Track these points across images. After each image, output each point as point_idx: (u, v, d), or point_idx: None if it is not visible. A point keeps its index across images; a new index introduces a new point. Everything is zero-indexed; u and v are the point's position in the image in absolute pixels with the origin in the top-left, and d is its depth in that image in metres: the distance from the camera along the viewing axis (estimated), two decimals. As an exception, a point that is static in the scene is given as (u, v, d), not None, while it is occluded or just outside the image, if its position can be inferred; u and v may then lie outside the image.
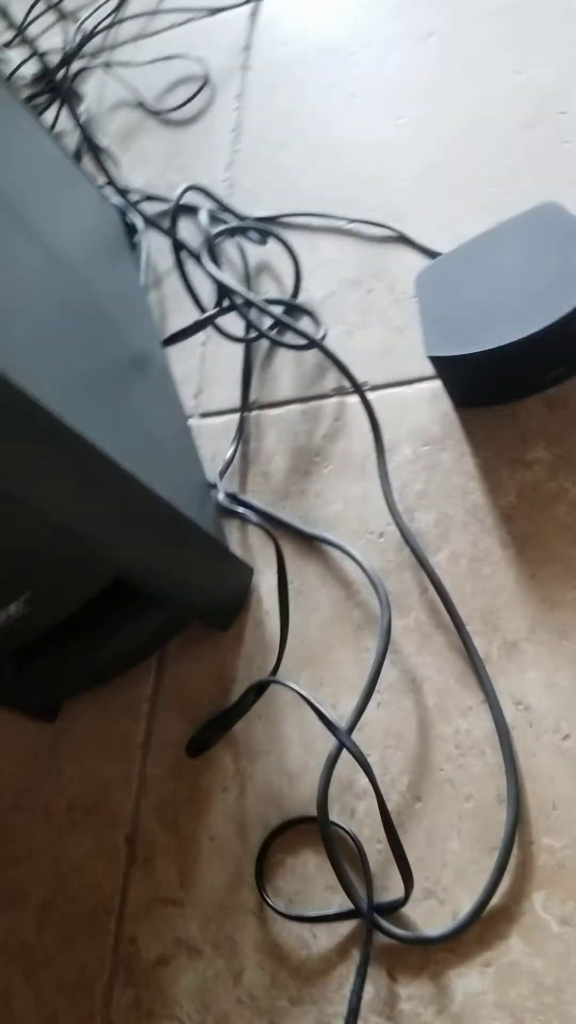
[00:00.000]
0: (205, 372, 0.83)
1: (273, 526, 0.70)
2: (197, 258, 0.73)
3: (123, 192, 0.83)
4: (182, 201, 0.88)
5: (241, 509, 0.69)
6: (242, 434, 0.77)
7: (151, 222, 0.80)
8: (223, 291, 0.72)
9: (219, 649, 0.67)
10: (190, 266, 0.79)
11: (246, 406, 0.78)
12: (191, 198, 0.91)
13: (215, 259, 0.73)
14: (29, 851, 0.66)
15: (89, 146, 0.80)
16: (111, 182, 0.81)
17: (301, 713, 0.62)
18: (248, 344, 0.80)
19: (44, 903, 0.64)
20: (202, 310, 0.75)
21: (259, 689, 0.63)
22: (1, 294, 0.48)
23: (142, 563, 0.57)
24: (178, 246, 0.75)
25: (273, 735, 0.62)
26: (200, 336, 0.84)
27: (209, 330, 0.81)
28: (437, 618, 0.62)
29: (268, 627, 0.67)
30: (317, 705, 0.56)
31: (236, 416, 0.78)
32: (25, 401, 0.41)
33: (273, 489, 0.73)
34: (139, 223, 0.91)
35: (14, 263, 0.54)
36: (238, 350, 0.81)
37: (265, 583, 0.69)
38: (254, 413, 0.78)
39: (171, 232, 0.75)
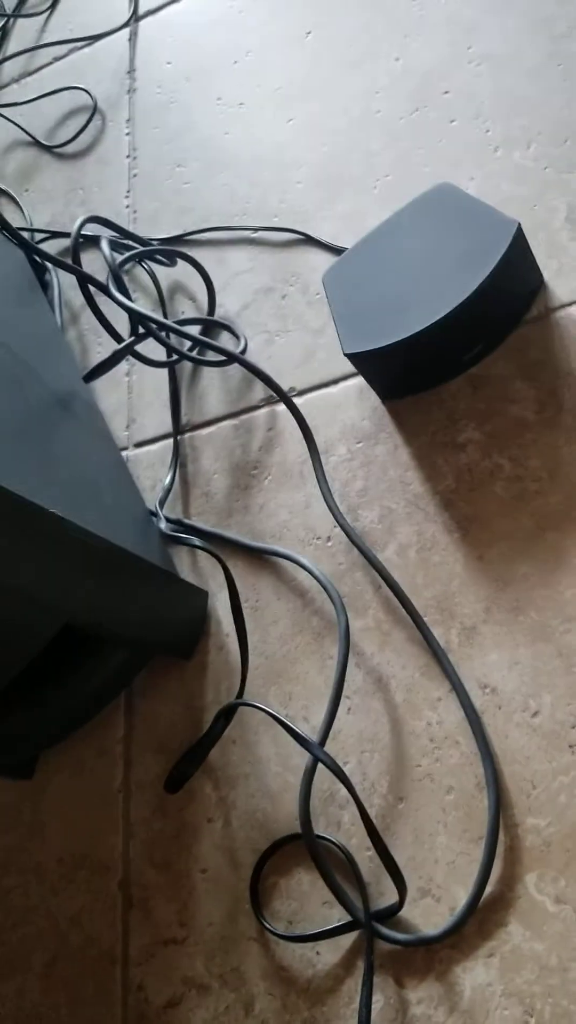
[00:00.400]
0: (133, 402, 0.82)
1: (220, 546, 0.69)
2: (105, 289, 0.72)
3: (16, 233, 0.82)
4: (86, 233, 0.87)
5: (184, 534, 0.68)
6: (178, 458, 0.76)
7: (54, 260, 0.79)
8: (135, 319, 0.71)
9: (185, 679, 0.67)
10: (103, 297, 0.78)
11: (179, 430, 0.77)
12: (95, 229, 0.90)
13: (122, 288, 0.72)
14: (25, 912, 0.65)
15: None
16: (5, 225, 0.80)
17: (274, 731, 0.62)
18: (171, 368, 0.80)
19: (47, 963, 0.63)
20: (119, 341, 0.74)
21: (227, 714, 0.62)
22: None
23: (89, 607, 0.56)
24: (83, 280, 0.74)
25: (249, 758, 0.62)
26: (123, 366, 0.83)
27: (131, 359, 0.80)
28: (394, 614, 0.61)
29: (231, 649, 0.66)
30: (286, 721, 0.55)
31: (170, 441, 0.77)
32: None
33: (216, 509, 0.72)
34: (46, 262, 0.90)
35: None
36: (163, 375, 0.81)
37: (222, 605, 0.68)
38: (187, 435, 0.77)
39: (74, 267, 0.74)
